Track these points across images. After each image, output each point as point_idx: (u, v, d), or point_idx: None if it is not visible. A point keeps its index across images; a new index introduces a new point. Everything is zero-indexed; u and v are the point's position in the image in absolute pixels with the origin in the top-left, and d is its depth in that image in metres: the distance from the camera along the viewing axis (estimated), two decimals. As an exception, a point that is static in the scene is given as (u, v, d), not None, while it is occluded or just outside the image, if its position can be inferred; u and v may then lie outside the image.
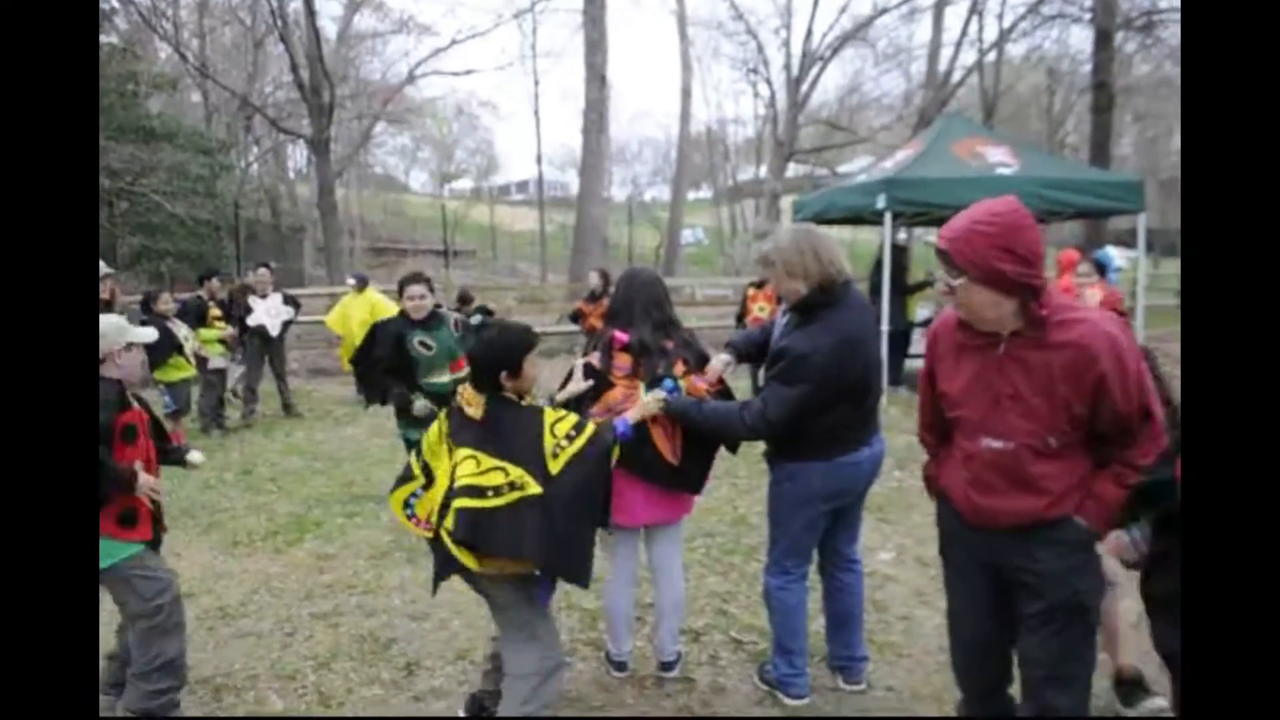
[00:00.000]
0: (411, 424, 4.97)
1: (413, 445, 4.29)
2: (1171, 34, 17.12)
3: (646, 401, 3.10)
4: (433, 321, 5.04)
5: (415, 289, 5.01)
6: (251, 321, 9.25)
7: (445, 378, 4.99)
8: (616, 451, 2.89)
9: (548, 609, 2.98)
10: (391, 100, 27.45)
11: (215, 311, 8.82)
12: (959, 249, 2.26)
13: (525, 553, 2.67)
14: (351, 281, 9.92)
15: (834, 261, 3.02)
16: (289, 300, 9.77)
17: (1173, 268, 26.45)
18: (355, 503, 6.20)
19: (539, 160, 33.25)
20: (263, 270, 9.69)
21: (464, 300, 10.68)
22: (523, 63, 34.61)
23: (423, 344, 4.98)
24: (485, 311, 10.58)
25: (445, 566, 2.81)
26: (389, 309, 10.67)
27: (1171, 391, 2.63)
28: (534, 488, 2.68)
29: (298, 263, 24.13)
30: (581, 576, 2.77)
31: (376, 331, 5.18)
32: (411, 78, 26.90)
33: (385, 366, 5.00)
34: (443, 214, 26.35)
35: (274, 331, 9.49)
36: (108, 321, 3.10)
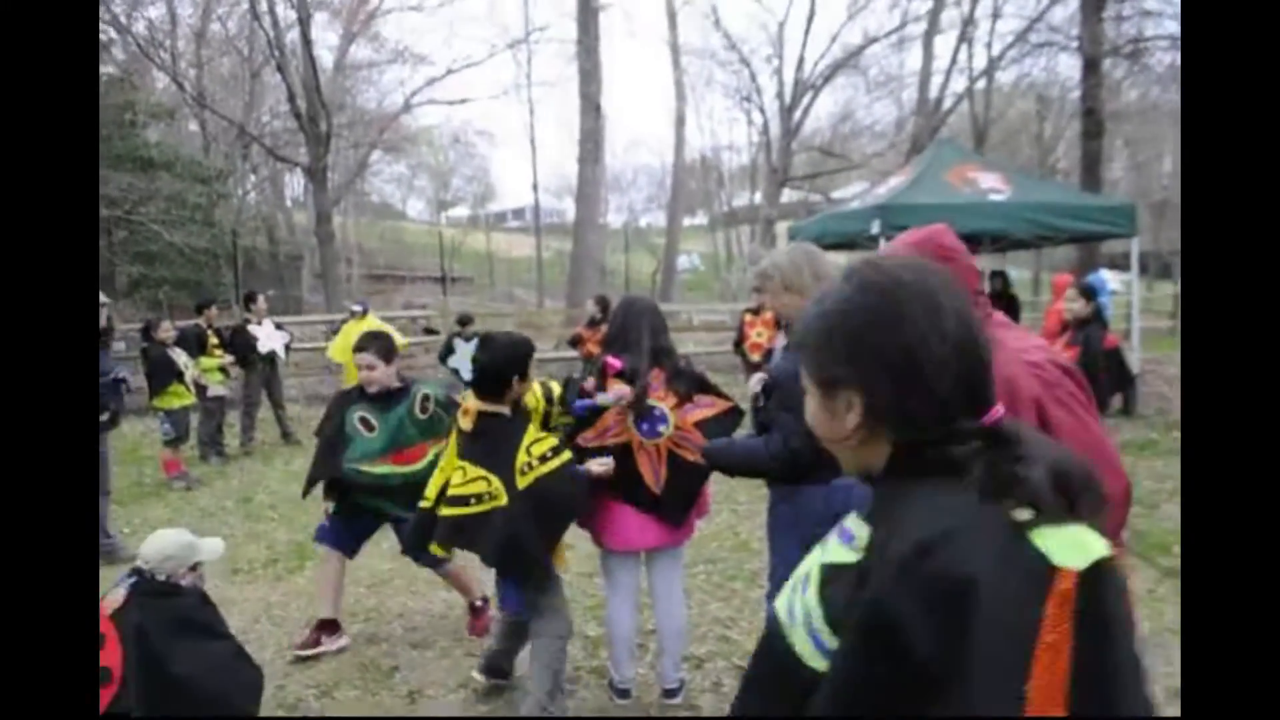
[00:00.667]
0: (344, 516, 4.21)
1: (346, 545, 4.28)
2: (1158, 60, 17.39)
3: (590, 465, 3.19)
4: (389, 399, 4.05)
5: (363, 357, 3.99)
6: (261, 349, 9.30)
7: (381, 468, 4.00)
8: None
9: (556, 583, 3.33)
10: (388, 129, 27.66)
11: (214, 339, 8.86)
12: None
13: (480, 552, 3.09)
14: (356, 309, 9.99)
15: (830, 280, 3.06)
16: (280, 328, 9.85)
17: (1167, 290, 26.65)
18: (355, 530, 6.20)
19: (535, 188, 33.59)
20: (259, 298, 9.76)
21: (464, 323, 10.78)
22: (518, 91, 35.12)
23: (363, 421, 4.05)
24: (429, 331, 10.74)
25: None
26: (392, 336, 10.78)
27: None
28: (503, 498, 3.02)
29: (296, 290, 24.19)
30: (531, 576, 3.18)
31: (337, 396, 4.44)
32: (408, 106, 27.18)
33: (324, 439, 4.18)
34: (439, 241, 26.40)
35: (282, 355, 9.61)
36: (174, 540, 2.86)
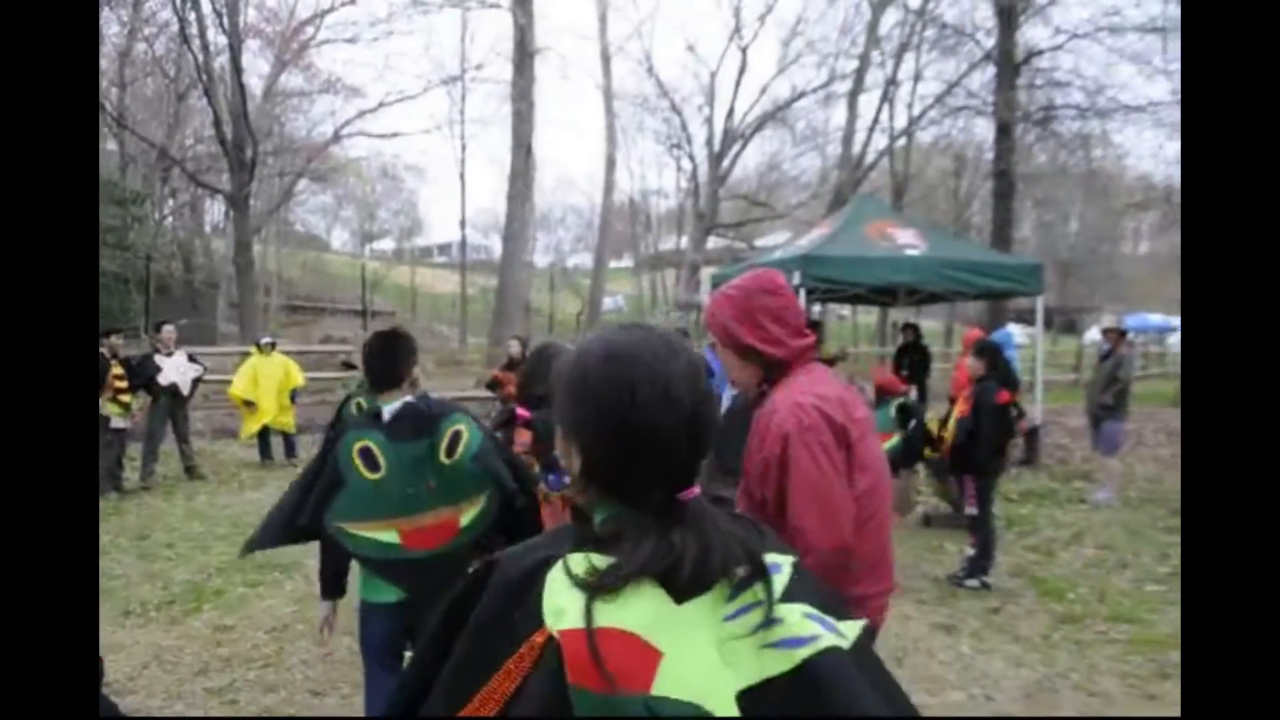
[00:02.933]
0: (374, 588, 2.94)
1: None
2: (1066, 127, 18.28)
3: None
4: (412, 425, 2.87)
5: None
6: (163, 380, 8.98)
7: (383, 535, 2.82)
8: None
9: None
10: (316, 158, 27.27)
11: (117, 370, 8.52)
12: (709, 311, 2.38)
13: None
14: (265, 342, 9.75)
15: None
16: (193, 359, 9.54)
17: (1070, 345, 27.75)
18: (259, 571, 5.99)
19: (463, 224, 33.32)
20: (167, 328, 9.45)
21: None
22: (450, 128, 34.97)
23: (365, 454, 2.84)
24: (348, 365, 10.53)
25: None
26: (299, 376, 10.50)
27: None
28: None
29: (210, 319, 23.48)
30: None
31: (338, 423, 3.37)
32: (337, 137, 26.83)
33: (299, 477, 2.97)
34: (362, 273, 26.01)
35: (185, 390, 9.24)
36: None
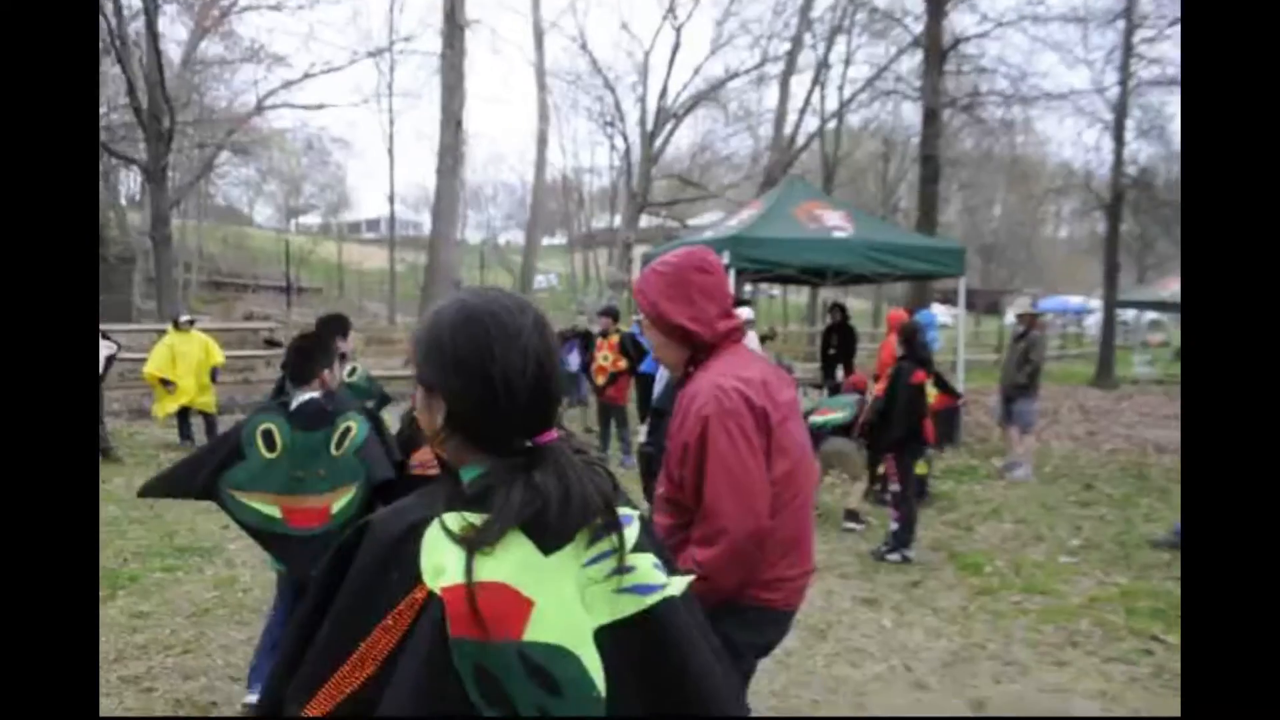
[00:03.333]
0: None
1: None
2: (990, 113, 18.70)
3: None
4: (314, 417, 3.27)
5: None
6: None
7: (266, 507, 3.18)
8: None
9: None
10: (238, 130, 26.37)
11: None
12: (638, 288, 2.33)
13: None
14: (183, 320, 9.45)
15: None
16: (106, 337, 9.18)
17: (992, 325, 28.56)
18: (177, 555, 5.84)
19: (391, 199, 32.66)
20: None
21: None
22: (378, 100, 34.12)
23: (266, 435, 3.22)
24: (271, 343, 10.22)
25: None
26: (218, 354, 10.20)
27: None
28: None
29: (125, 295, 22.64)
30: None
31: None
32: (260, 108, 25.94)
33: (207, 444, 3.56)
34: (286, 249, 25.35)
35: (99, 369, 8.90)
36: None
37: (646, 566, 1.14)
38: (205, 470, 3.18)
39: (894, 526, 6.08)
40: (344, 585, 1.09)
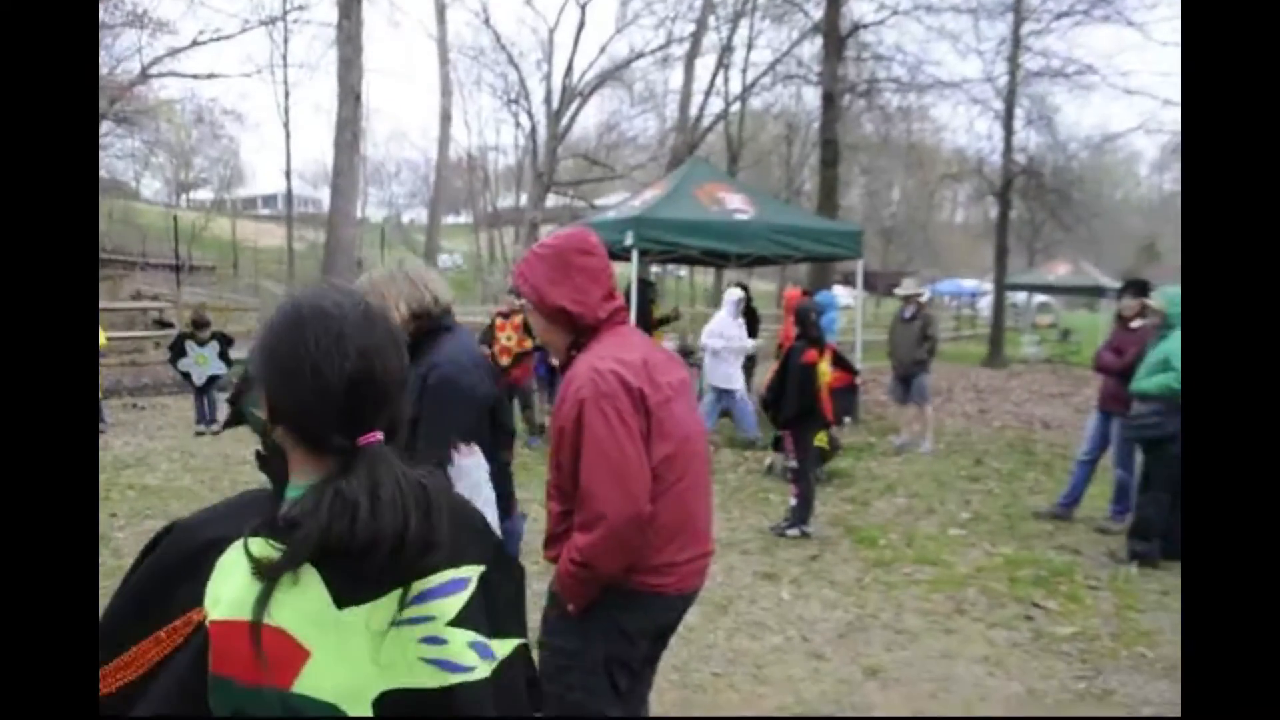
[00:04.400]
0: None
1: None
2: (887, 100, 19.19)
3: None
4: None
5: None
6: None
7: None
8: None
9: None
10: (121, 99, 25.02)
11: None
12: (519, 271, 2.28)
13: None
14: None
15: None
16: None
17: (891, 306, 29.38)
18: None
19: (288, 174, 31.55)
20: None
21: (199, 325, 9.73)
22: (272, 71, 32.82)
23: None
24: (161, 324, 9.76)
25: None
26: (101, 335, 9.70)
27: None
28: None
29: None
30: None
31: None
32: (145, 76, 24.70)
33: None
34: (175, 225, 24.26)
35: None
36: None
37: (460, 644, 1.10)
38: None
39: (793, 503, 6.22)
40: (130, 582, 1.09)
